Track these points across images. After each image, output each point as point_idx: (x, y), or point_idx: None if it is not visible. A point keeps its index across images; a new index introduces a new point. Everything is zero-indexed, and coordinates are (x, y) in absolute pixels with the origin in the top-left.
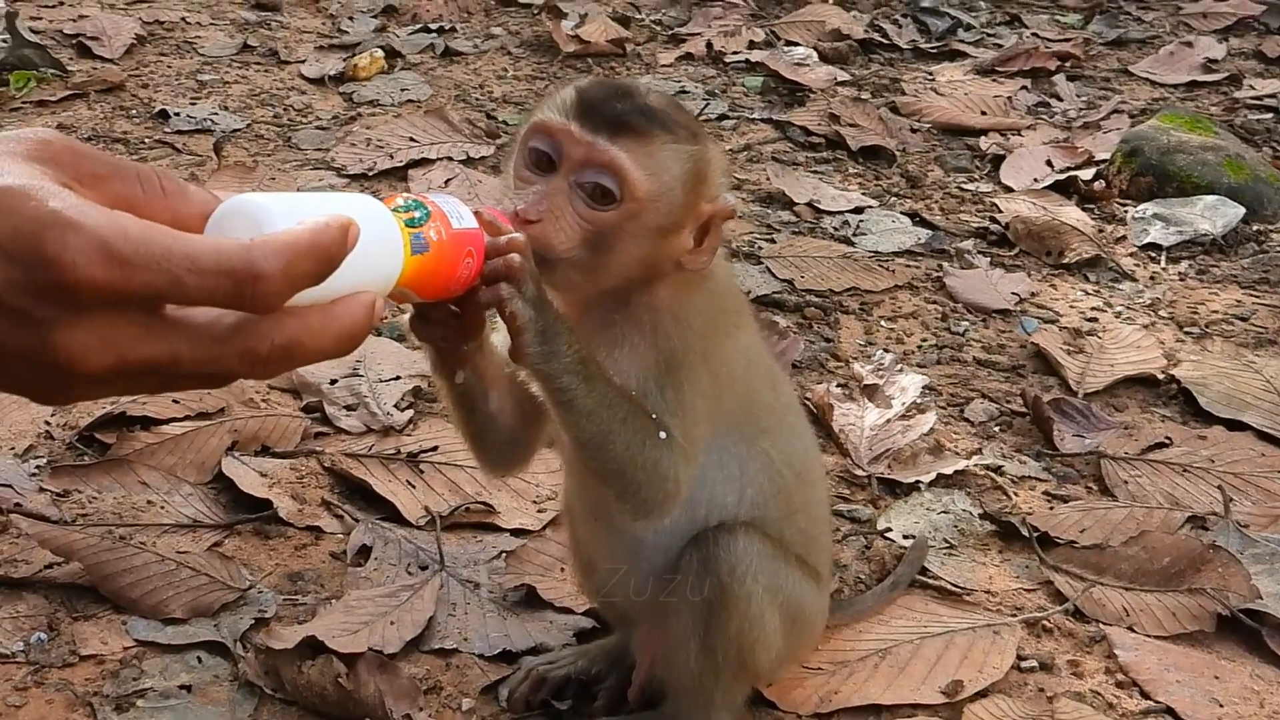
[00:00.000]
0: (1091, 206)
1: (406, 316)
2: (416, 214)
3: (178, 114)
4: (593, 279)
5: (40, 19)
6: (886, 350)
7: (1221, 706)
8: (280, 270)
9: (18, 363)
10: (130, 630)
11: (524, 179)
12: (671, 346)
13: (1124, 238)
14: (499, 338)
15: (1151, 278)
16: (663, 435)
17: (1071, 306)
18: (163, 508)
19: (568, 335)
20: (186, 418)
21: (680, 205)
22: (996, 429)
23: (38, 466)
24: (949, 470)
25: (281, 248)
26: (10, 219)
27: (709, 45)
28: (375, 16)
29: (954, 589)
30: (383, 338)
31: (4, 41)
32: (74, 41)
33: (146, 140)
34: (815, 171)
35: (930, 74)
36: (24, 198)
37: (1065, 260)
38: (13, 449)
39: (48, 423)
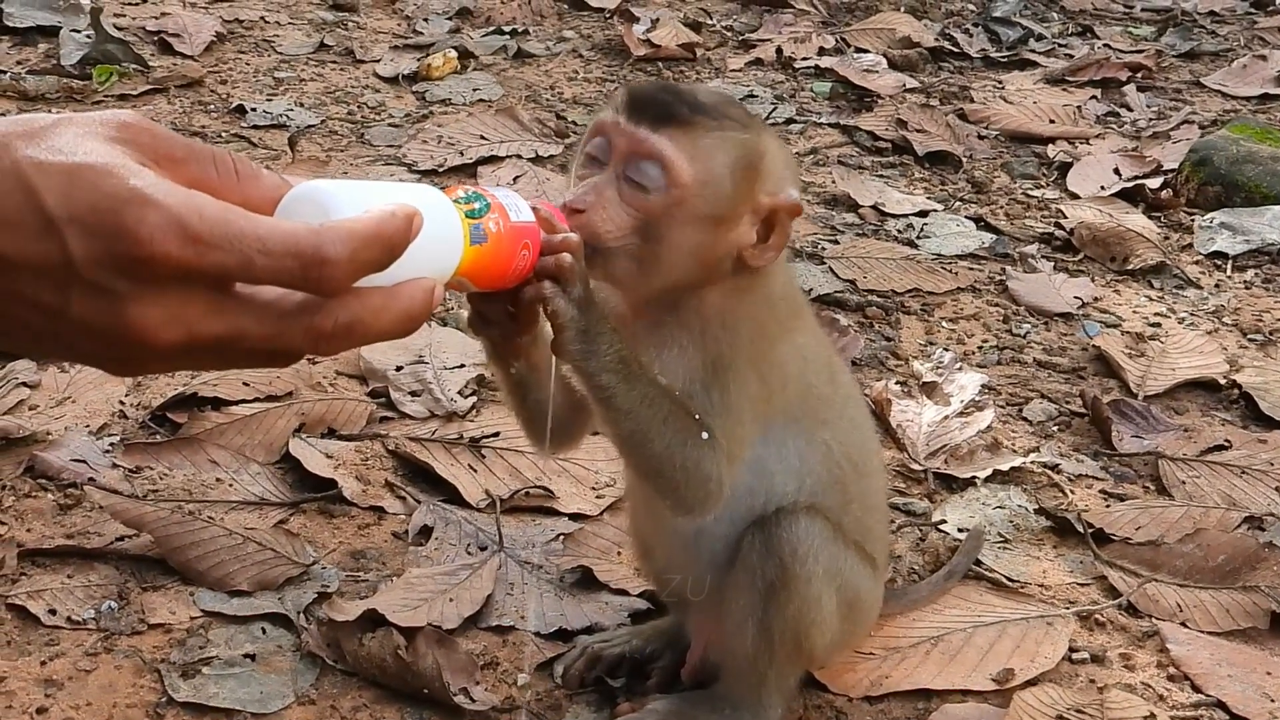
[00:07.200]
0: (1158, 215)
1: (465, 312)
2: (477, 205)
3: (254, 109)
4: (648, 272)
5: (124, 15)
6: (946, 349)
7: (1273, 701)
8: (346, 256)
9: (91, 336)
10: (197, 601)
11: (580, 177)
12: (719, 351)
13: (1190, 246)
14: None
15: (1216, 285)
16: (705, 436)
17: (1134, 312)
18: (231, 485)
19: (610, 335)
20: (256, 399)
21: (731, 194)
22: (1055, 429)
23: (111, 444)
24: (1005, 467)
25: (348, 235)
26: (91, 194)
27: (779, 51)
28: (450, 18)
29: (1008, 581)
30: (448, 327)
31: (88, 37)
32: (156, 38)
33: (223, 134)
34: (881, 175)
35: (1000, 82)
36: (105, 174)
37: (1129, 266)
38: (87, 426)
39: (122, 402)
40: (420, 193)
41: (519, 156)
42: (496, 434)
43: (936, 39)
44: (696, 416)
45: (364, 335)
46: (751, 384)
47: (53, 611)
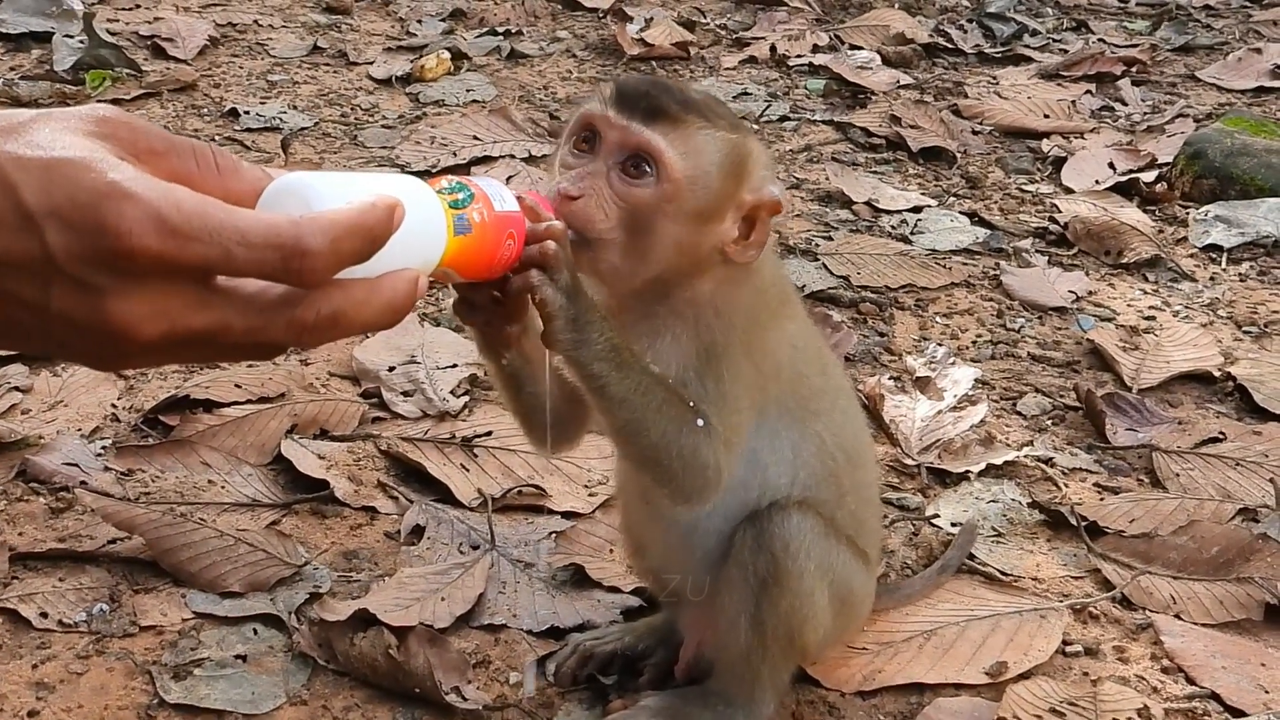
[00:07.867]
0: (1153, 208)
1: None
2: (460, 196)
3: (248, 113)
4: (633, 264)
5: (117, 20)
6: (940, 344)
7: (1267, 693)
8: (327, 247)
9: (75, 330)
10: (189, 603)
11: (566, 165)
12: (713, 339)
13: (1184, 239)
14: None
15: (1211, 278)
16: (700, 423)
17: (1129, 305)
18: (223, 487)
19: (600, 324)
20: (248, 401)
21: (718, 191)
22: (1049, 422)
23: (103, 447)
24: (999, 461)
25: (329, 225)
26: (70, 189)
27: (772, 49)
28: (443, 20)
29: (1001, 575)
30: (440, 327)
31: (81, 42)
32: (149, 42)
33: (217, 137)
34: (875, 172)
35: (994, 78)
36: (84, 169)
37: (1124, 260)
38: (79, 430)
39: (114, 405)
40: (403, 183)
41: (512, 156)
42: (489, 433)
43: (930, 35)
44: (691, 404)
45: (347, 327)
46: (745, 371)
47: (44, 614)
